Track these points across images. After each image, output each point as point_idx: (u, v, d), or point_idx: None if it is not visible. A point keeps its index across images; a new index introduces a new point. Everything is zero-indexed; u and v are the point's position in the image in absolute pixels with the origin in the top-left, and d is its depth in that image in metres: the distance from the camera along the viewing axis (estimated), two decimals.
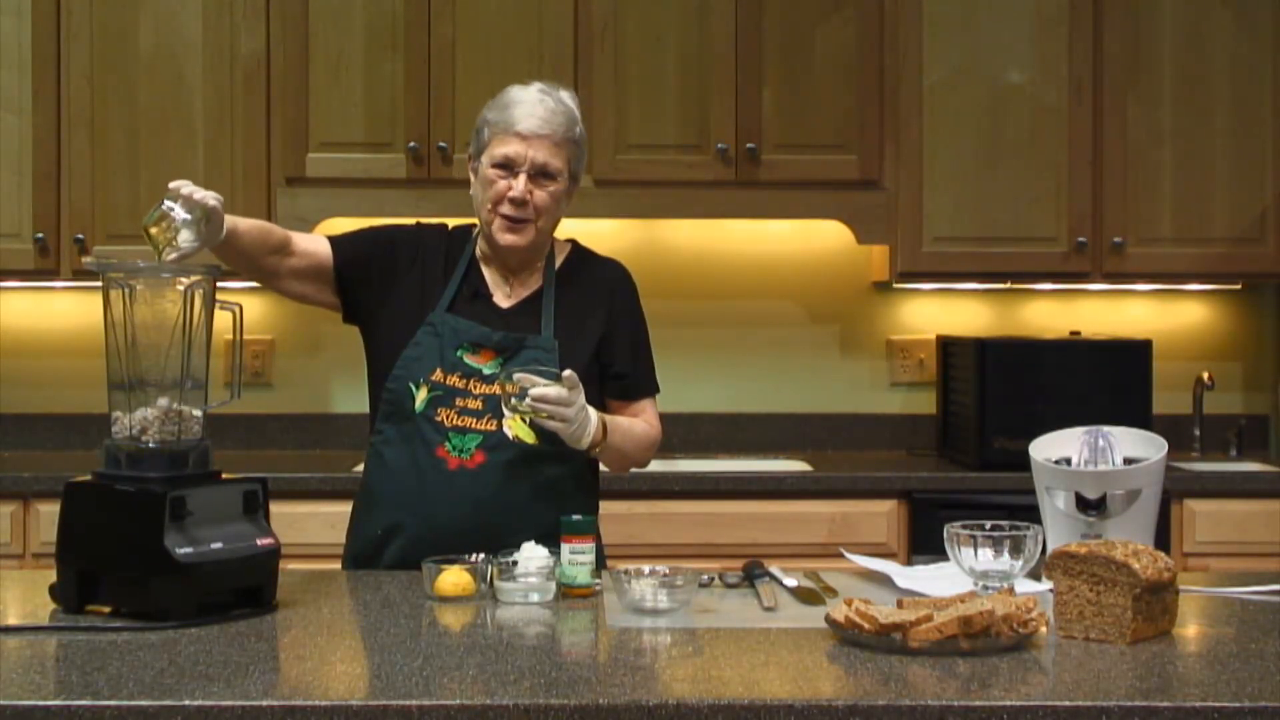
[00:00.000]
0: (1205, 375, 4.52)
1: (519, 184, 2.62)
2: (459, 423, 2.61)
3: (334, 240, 2.75)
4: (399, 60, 4.23)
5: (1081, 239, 4.28)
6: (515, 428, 2.60)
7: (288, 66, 4.23)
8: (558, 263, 2.76)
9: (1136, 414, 3.96)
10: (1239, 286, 4.63)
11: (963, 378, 4.31)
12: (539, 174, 2.63)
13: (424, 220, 2.86)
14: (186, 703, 1.73)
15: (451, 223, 2.84)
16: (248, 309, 2.39)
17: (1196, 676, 1.93)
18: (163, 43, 4.24)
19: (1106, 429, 2.61)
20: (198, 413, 2.27)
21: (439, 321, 2.67)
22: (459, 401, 2.62)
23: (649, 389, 2.79)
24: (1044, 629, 2.07)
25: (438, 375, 2.63)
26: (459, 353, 2.64)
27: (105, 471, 2.23)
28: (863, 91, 4.27)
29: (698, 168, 4.26)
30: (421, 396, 2.63)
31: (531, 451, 2.60)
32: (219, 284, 2.33)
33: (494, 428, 2.60)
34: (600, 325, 2.72)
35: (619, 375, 2.74)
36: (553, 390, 2.48)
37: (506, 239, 2.65)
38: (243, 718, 1.72)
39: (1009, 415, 4.11)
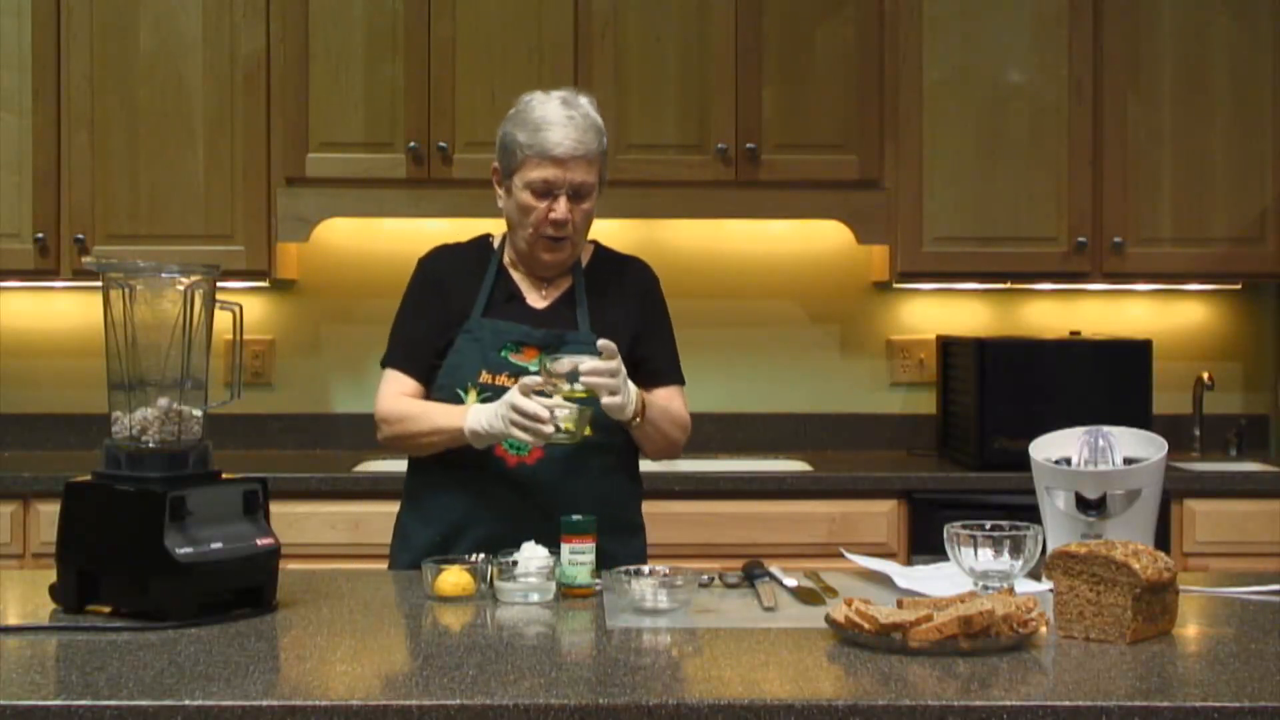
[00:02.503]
0: (1205, 375, 4.52)
1: (561, 207, 2.66)
2: None
3: (403, 368, 2.75)
4: (399, 60, 4.23)
5: (1081, 239, 4.28)
6: (566, 422, 2.61)
7: (288, 66, 4.23)
8: (583, 262, 2.82)
9: (1136, 414, 3.96)
10: (1239, 286, 4.63)
11: (963, 378, 4.31)
12: (575, 194, 2.67)
13: (423, 255, 2.86)
14: (186, 703, 1.73)
15: (442, 239, 2.87)
16: (248, 309, 2.39)
17: (1196, 676, 1.93)
18: (163, 43, 4.24)
19: (1106, 429, 2.61)
20: (198, 413, 2.27)
21: (476, 326, 2.71)
22: None
23: (675, 378, 2.85)
24: (1044, 629, 2.07)
25: (484, 377, 2.68)
26: (503, 353, 2.69)
27: (105, 471, 2.23)
28: (863, 91, 4.27)
29: (698, 168, 4.25)
30: (471, 400, 2.67)
31: (583, 443, 2.63)
32: (219, 284, 2.33)
33: None
34: (634, 323, 2.78)
35: (648, 366, 2.79)
36: (600, 362, 2.53)
37: (549, 258, 2.72)
38: (243, 718, 1.72)
39: (1009, 415, 4.11)
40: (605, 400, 2.55)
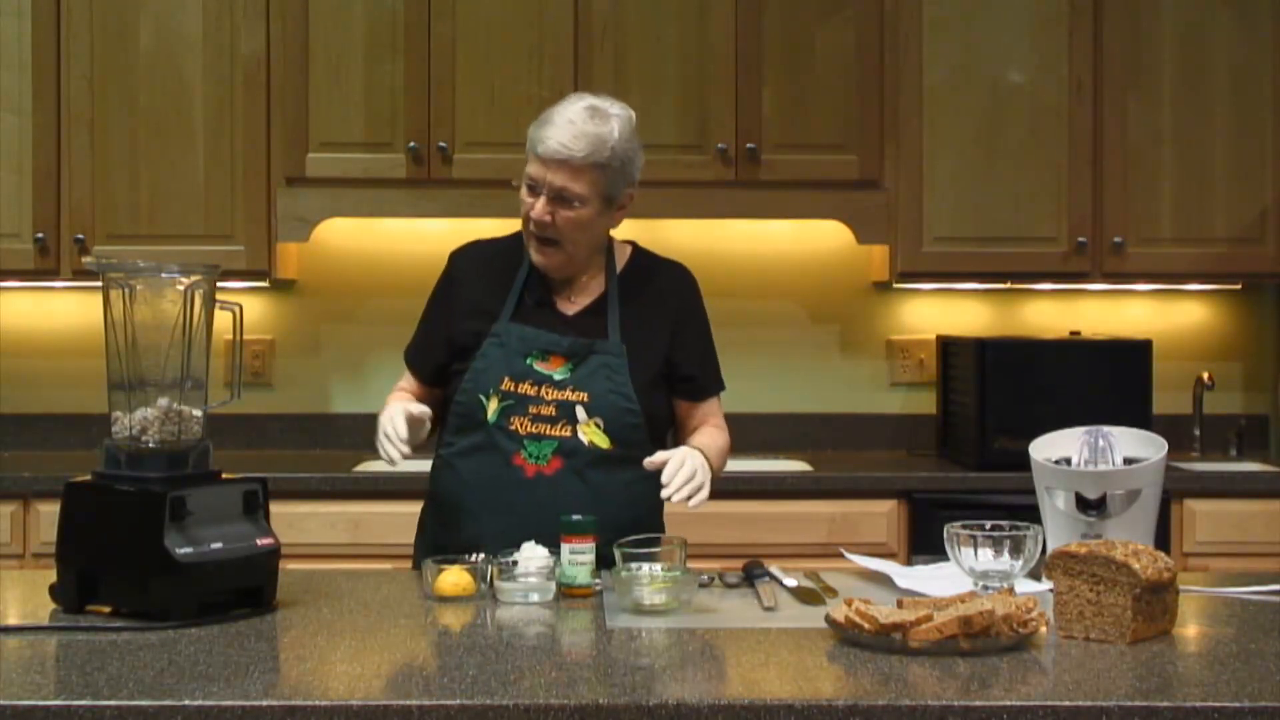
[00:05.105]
0: (1205, 375, 4.52)
1: (539, 205, 2.62)
2: (533, 430, 2.62)
3: (412, 363, 2.81)
4: (399, 60, 4.22)
5: (1081, 239, 4.28)
6: (589, 433, 2.62)
7: (288, 66, 4.23)
8: (619, 266, 2.77)
9: (1136, 414, 3.95)
10: (1239, 286, 4.63)
11: (963, 378, 4.31)
12: (557, 198, 2.61)
13: (455, 249, 2.85)
14: (186, 703, 1.73)
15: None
16: (248, 309, 2.40)
17: (1196, 676, 1.93)
18: (163, 43, 4.24)
19: (1106, 429, 2.61)
20: (198, 413, 2.27)
21: (504, 332, 2.67)
22: (532, 409, 2.63)
23: (715, 388, 2.84)
24: (1044, 629, 2.07)
25: (507, 384, 2.64)
26: (528, 360, 2.65)
27: (105, 471, 2.23)
28: (863, 91, 4.27)
29: (698, 168, 4.25)
30: (493, 407, 2.63)
31: (606, 456, 2.62)
32: (219, 284, 2.33)
33: (569, 434, 2.62)
34: (667, 333, 2.74)
35: (688, 378, 2.77)
36: (676, 481, 2.47)
37: (535, 258, 2.69)
38: (243, 718, 1.72)
39: (1009, 415, 4.11)
40: (699, 498, 2.50)
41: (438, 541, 2.70)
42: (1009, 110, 4.30)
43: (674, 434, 2.82)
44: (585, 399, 2.63)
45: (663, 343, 2.73)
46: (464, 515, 2.66)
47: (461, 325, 2.72)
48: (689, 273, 2.84)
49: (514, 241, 2.78)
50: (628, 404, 2.65)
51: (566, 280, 2.73)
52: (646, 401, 2.68)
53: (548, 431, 2.62)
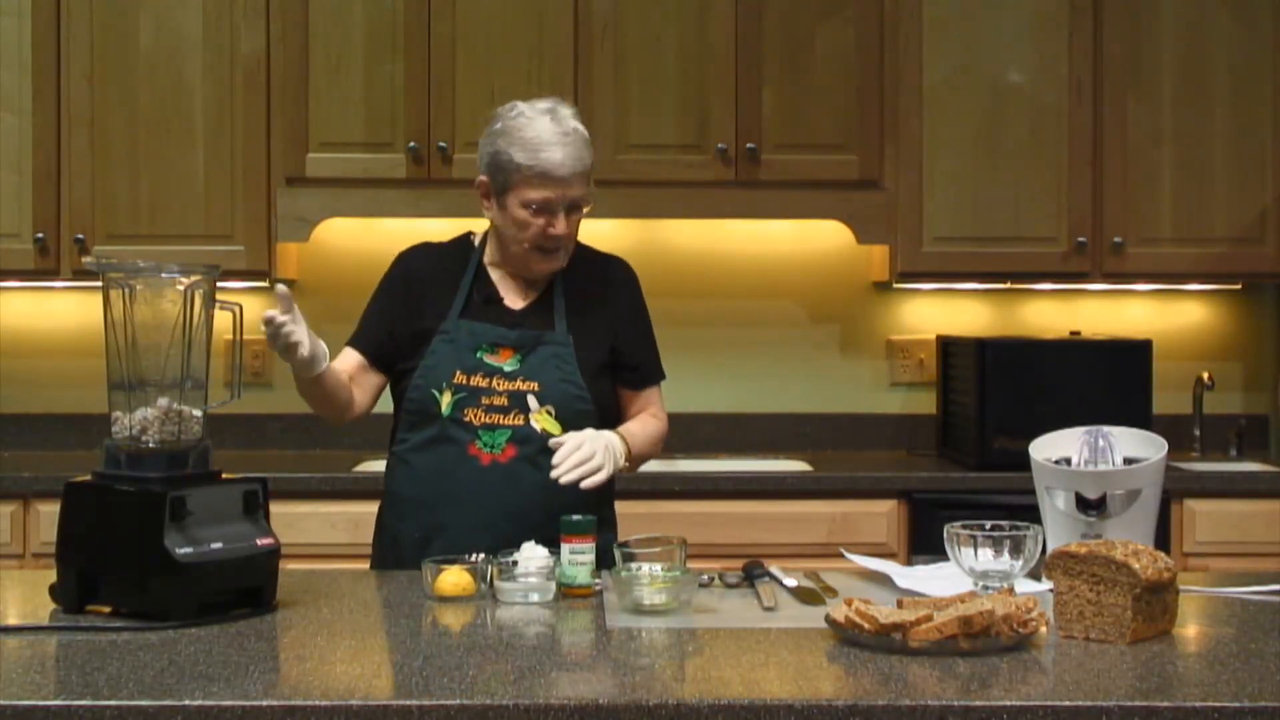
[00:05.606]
0: (1205, 375, 4.52)
1: (560, 224, 2.69)
2: (487, 420, 2.69)
3: (354, 343, 2.84)
4: (399, 60, 4.23)
5: (1081, 239, 4.28)
6: (542, 421, 2.68)
7: (288, 66, 4.23)
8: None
9: (1136, 414, 3.95)
10: (1239, 286, 4.63)
11: (963, 378, 4.31)
12: (571, 207, 2.69)
13: (403, 249, 2.91)
14: (186, 703, 1.73)
15: (435, 238, 2.91)
16: (248, 309, 2.39)
17: (1196, 676, 1.93)
18: (163, 43, 4.24)
19: (1106, 429, 2.61)
20: (198, 413, 2.27)
21: (453, 329, 2.74)
22: (484, 400, 2.69)
23: (657, 377, 2.90)
24: (1044, 629, 2.07)
25: (459, 378, 2.70)
26: (478, 354, 2.72)
27: (105, 471, 2.23)
28: (863, 91, 4.27)
29: (698, 168, 4.25)
30: (446, 400, 2.70)
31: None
32: (219, 284, 2.33)
33: (521, 422, 2.69)
34: (612, 324, 2.81)
35: (632, 367, 2.83)
36: (568, 461, 2.53)
37: (545, 267, 2.75)
38: (243, 718, 1.73)
39: (1009, 415, 4.11)
40: (593, 480, 2.55)
41: (397, 536, 2.75)
42: (1009, 110, 4.30)
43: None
44: (536, 388, 2.70)
45: (608, 333, 2.79)
46: (421, 508, 2.71)
47: (410, 322, 2.77)
48: (629, 266, 2.91)
49: (460, 244, 2.86)
50: (578, 391, 2.72)
51: (513, 277, 2.79)
52: (595, 390, 2.74)
53: (501, 421, 2.68)
